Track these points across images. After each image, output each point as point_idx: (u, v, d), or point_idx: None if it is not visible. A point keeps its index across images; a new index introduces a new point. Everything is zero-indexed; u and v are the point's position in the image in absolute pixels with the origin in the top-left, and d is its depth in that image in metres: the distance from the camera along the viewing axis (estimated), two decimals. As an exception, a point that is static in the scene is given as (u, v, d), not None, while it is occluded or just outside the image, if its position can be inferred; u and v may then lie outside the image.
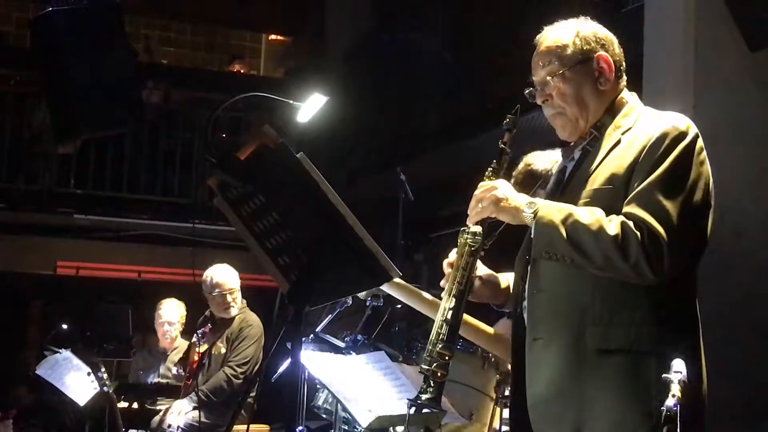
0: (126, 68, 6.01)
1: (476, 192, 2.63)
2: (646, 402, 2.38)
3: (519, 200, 2.57)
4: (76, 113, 6.00)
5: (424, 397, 2.55)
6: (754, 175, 4.90)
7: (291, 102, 6.06)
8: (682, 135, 2.48)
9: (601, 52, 2.67)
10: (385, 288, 4.24)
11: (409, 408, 2.63)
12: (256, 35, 15.17)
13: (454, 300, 2.64)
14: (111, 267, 10.22)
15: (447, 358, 2.57)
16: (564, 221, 2.45)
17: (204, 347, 6.33)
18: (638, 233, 2.37)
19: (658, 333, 2.42)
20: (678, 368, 2.22)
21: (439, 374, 2.55)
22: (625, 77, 2.70)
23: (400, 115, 9.78)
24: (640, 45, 4.99)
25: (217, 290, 6.36)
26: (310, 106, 6.36)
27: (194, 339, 6.30)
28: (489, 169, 2.71)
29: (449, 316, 2.63)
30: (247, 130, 10.69)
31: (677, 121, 2.52)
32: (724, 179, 4.19)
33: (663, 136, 2.48)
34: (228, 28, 14.86)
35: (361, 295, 5.30)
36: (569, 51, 2.67)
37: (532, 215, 2.50)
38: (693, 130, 2.50)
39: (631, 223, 2.39)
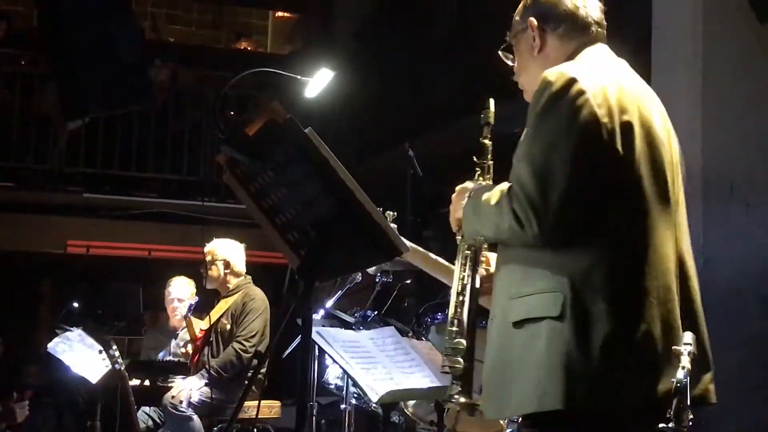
0: (134, 46, 6.00)
1: (452, 196, 2.64)
2: (555, 371, 2.29)
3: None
4: (84, 92, 5.99)
5: (456, 395, 2.53)
6: (764, 146, 4.88)
7: (299, 77, 6.04)
8: (545, 86, 2.39)
9: (531, 17, 2.64)
10: (406, 256, 4.29)
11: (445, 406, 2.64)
12: (262, 12, 15.13)
13: (462, 297, 2.62)
14: (121, 245, 10.26)
15: (463, 349, 2.55)
16: (473, 205, 2.50)
17: (206, 323, 6.35)
18: (508, 196, 2.36)
19: (553, 300, 2.33)
20: (688, 340, 2.22)
21: (459, 367, 2.53)
22: (591, 32, 2.62)
23: (409, 91, 9.75)
24: (648, 17, 4.96)
25: (207, 258, 6.39)
26: (318, 82, 6.34)
27: (186, 313, 6.35)
28: (476, 169, 2.73)
29: (461, 315, 2.61)
30: (254, 108, 10.68)
31: (547, 72, 2.43)
32: (733, 151, 4.20)
33: (535, 93, 2.42)
34: (234, 6, 14.82)
35: (371, 270, 5.33)
36: (516, 20, 2.70)
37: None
38: (562, 77, 2.38)
39: (506, 186, 2.39)
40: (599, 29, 2.63)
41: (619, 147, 2.34)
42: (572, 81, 2.37)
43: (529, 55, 2.66)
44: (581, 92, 2.35)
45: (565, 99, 2.35)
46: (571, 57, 2.58)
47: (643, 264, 2.35)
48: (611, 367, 2.27)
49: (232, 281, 6.47)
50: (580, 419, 2.30)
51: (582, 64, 2.50)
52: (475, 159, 2.73)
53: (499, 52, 2.76)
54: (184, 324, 7.07)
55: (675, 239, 2.44)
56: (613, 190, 2.35)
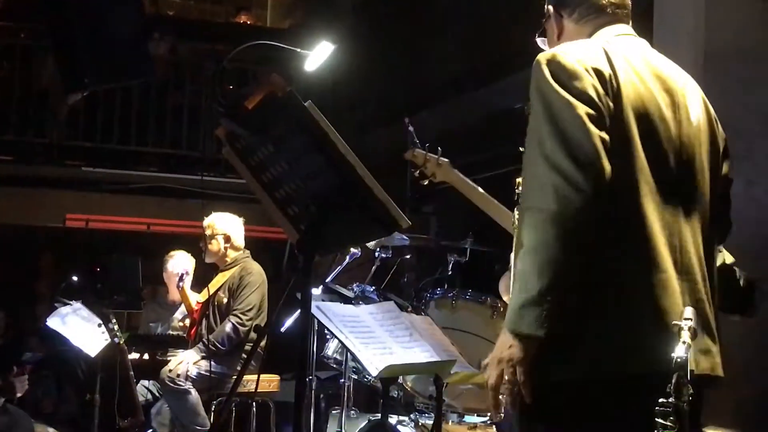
0: (133, 20, 5.97)
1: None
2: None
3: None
4: (83, 66, 5.97)
5: None
6: (765, 122, 4.87)
7: (299, 50, 6.02)
8: (535, 69, 2.41)
9: (549, 5, 2.69)
10: (441, 176, 4.32)
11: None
12: (263, -15, 15.07)
13: None
14: (120, 219, 10.26)
15: None
16: (526, 297, 2.29)
17: (203, 296, 6.36)
18: (536, 209, 2.30)
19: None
20: (688, 315, 2.22)
21: None
22: (608, 13, 2.63)
23: (409, 65, 9.72)
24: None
25: (207, 232, 6.40)
26: (318, 55, 6.32)
27: (179, 283, 6.36)
28: None
29: None
30: (254, 83, 10.65)
31: (539, 55, 2.44)
32: (733, 127, 4.18)
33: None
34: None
35: (371, 245, 5.34)
36: (546, 8, 2.73)
37: (516, 332, 2.32)
38: (544, 56, 2.41)
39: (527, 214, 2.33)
40: (618, 10, 2.65)
41: (608, 114, 2.34)
42: (551, 58, 2.39)
43: (551, 40, 2.70)
44: (559, 68, 2.36)
45: (548, 77, 2.36)
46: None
47: (625, 241, 2.34)
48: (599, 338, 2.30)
49: (231, 255, 6.48)
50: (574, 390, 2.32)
51: (581, 43, 2.51)
52: None
53: (537, 39, 2.77)
54: (184, 297, 7.09)
55: (679, 215, 2.44)
56: None
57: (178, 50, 11.25)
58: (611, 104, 2.35)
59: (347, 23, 10.62)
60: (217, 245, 6.43)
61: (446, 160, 4.59)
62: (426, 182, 4.62)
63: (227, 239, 6.45)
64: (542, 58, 2.41)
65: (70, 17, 5.83)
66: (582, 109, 2.30)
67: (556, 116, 2.32)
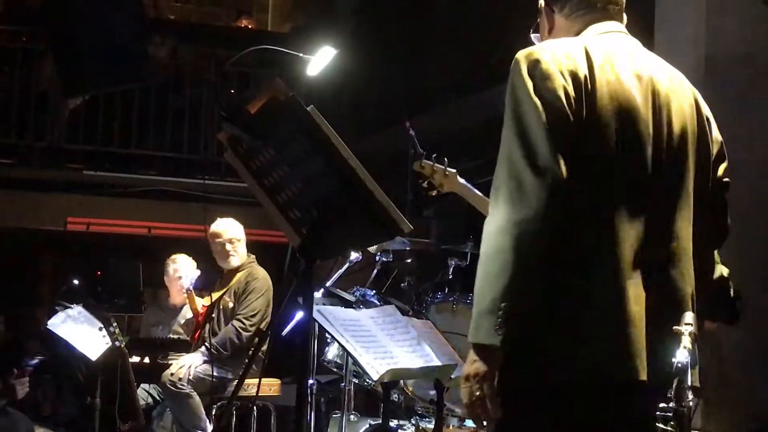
0: (134, 24, 5.98)
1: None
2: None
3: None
4: (84, 69, 5.98)
5: None
6: (764, 126, 4.88)
7: (300, 55, 6.02)
8: (513, 65, 2.41)
9: (541, 0, 2.68)
10: (449, 187, 4.34)
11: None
12: (263, -10, 15.07)
13: None
14: (121, 223, 10.25)
15: None
16: (482, 306, 2.29)
17: (207, 299, 6.37)
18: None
19: None
20: (688, 320, 2.22)
21: None
22: (598, 8, 2.60)
23: (409, 69, 9.73)
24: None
25: (216, 240, 6.43)
26: (320, 60, 6.32)
27: (187, 285, 6.36)
28: None
29: None
30: (255, 86, 10.66)
31: (518, 53, 2.44)
32: (733, 131, 4.19)
33: None
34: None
35: (372, 249, 5.34)
36: (539, 2, 2.71)
37: (475, 342, 2.31)
38: (523, 53, 2.40)
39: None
40: (610, 6, 2.61)
41: (579, 116, 2.32)
42: (527, 56, 2.38)
43: (543, 36, 2.68)
44: (533, 66, 2.35)
45: (524, 76, 2.35)
46: (577, 35, 2.58)
47: (593, 247, 2.33)
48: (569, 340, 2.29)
49: (238, 260, 6.48)
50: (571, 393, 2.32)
51: (563, 41, 2.50)
52: None
53: (531, 35, 2.76)
54: (186, 301, 7.09)
55: (659, 217, 2.41)
56: (573, 162, 2.32)
57: (178, 54, 11.26)
58: (584, 107, 2.33)
59: (348, 27, 10.63)
60: (223, 250, 6.44)
61: (453, 170, 4.59)
62: (434, 193, 4.64)
63: (234, 245, 6.46)
64: (520, 55, 2.40)
65: (71, 21, 5.85)
66: (548, 114, 2.29)
67: (522, 117, 2.32)
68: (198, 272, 6.47)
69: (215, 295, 6.36)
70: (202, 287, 6.78)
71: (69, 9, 5.90)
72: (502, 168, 2.33)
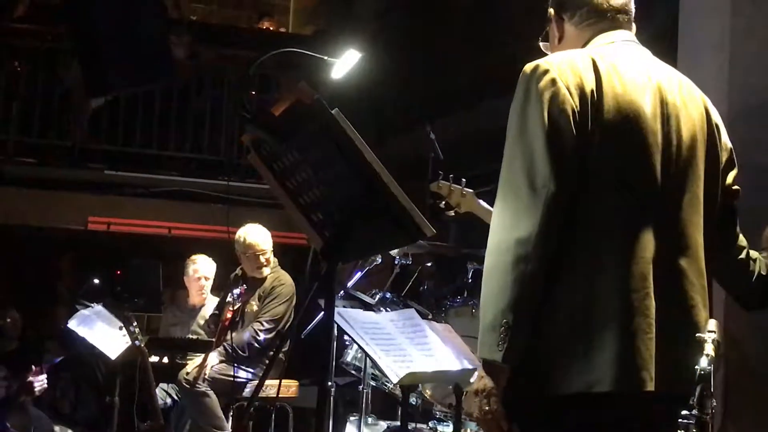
0: (157, 24, 6.00)
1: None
2: None
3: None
4: (106, 69, 6.01)
5: None
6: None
7: (326, 58, 6.02)
8: (520, 77, 2.44)
9: (550, 8, 2.69)
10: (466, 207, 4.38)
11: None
12: (285, -8, 15.11)
13: None
14: (141, 223, 10.29)
15: None
16: (485, 322, 2.34)
17: (237, 306, 6.38)
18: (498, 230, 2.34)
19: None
20: (711, 328, 2.22)
21: None
22: (608, 18, 2.62)
23: (430, 73, 9.72)
24: (675, 4, 4.92)
25: (250, 251, 6.41)
26: (344, 63, 6.33)
27: (229, 299, 6.34)
28: None
29: None
30: (277, 89, 10.67)
31: (527, 65, 2.45)
32: (759, 139, 4.17)
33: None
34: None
35: (393, 252, 5.34)
36: (548, 12, 2.73)
37: (481, 358, 2.40)
38: (530, 66, 2.43)
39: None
40: (619, 15, 2.63)
41: (584, 130, 2.34)
42: (535, 69, 2.40)
43: (552, 45, 2.70)
44: (541, 77, 2.37)
45: (533, 89, 2.37)
46: (585, 44, 2.59)
47: (604, 250, 2.34)
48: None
49: (268, 270, 6.49)
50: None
51: (571, 53, 2.50)
52: None
53: (540, 43, 2.77)
54: (204, 301, 7.11)
55: (668, 227, 2.41)
56: (580, 174, 2.34)
57: (200, 55, 11.29)
58: (590, 121, 2.35)
59: (369, 30, 10.63)
60: (259, 261, 6.44)
61: (470, 190, 4.62)
62: (452, 213, 4.67)
63: (264, 253, 6.45)
64: (527, 68, 2.42)
65: (94, 21, 5.87)
66: (551, 130, 2.31)
67: (525, 131, 2.35)
68: (242, 287, 6.42)
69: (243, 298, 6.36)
70: (219, 288, 6.80)
71: (92, 10, 5.92)
72: (503, 182, 2.37)
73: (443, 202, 4.67)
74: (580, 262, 2.32)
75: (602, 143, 2.35)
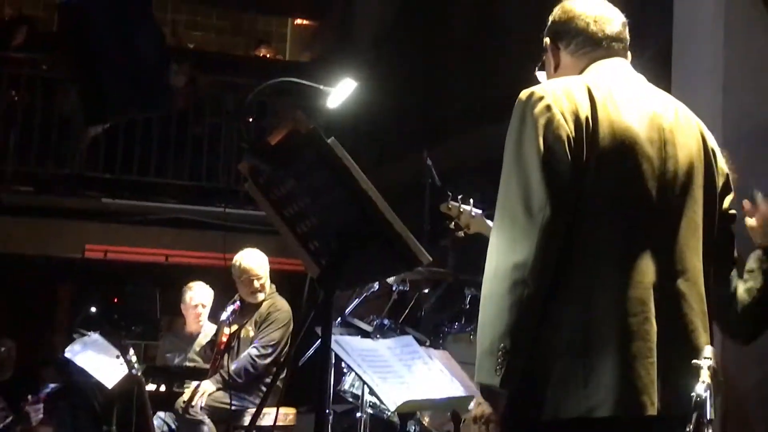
0: (155, 53, 6.02)
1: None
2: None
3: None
4: (105, 98, 6.02)
5: None
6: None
7: (321, 87, 6.06)
8: (516, 105, 2.45)
9: (546, 37, 2.71)
10: (475, 228, 4.40)
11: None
12: (282, 19, 15.18)
13: None
14: (139, 250, 10.29)
15: None
16: (482, 347, 2.34)
17: (233, 328, 6.37)
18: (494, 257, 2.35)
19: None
20: (707, 354, 2.22)
21: None
22: (603, 46, 2.63)
23: (427, 100, 9.76)
24: (668, 30, 4.96)
25: (245, 275, 6.41)
26: (340, 92, 6.36)
27: (223, 317, 6.34)
28: None
29: None
30: (273, 115, 10.71)
31: (522, 91, 2.46)
32: (754, 165, 4.18)
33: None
34: (254, 13, 14.88)
35: (390, 279, 5.35)
36: (544, 40, 2.74)
37: (478, 382, 2.40)
38: (526, 93, 2.44)
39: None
40: (614, 44, 2.64)
41: (579, 156, 2.35)
42: (530, 96, 2.41)
43: (549, 73, 2.71)
44: (535, 104, 2.39)
45: (527, 116, 2.39)
46: (581, 72, 2.61)
47: (603, 277, 2.34)
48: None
49: (263, 295, 6.48)
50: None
51: (566, 80, 2.52)
52: None
53: (536, 73, 2.79)
54: (201, 329, 7.10)
55: (666, 251, 2.42)
56: (577, 199, 2.35)
57: (197, 82, 11.34)
58: (585, 148, 2.36)
59: (366, 57, 10.68)
60: (254, 287, 6.43)
61: (479, 211, 4.65)
62: (461, 234, 4.71)
63: (260, 279, 6.45)
64: (523, 95, 2.44)
65: (92, 50, 5.90)
66: (546, 156, 2.32)
67: (521, 158, 2.36)
68: (236, 305, 6.42)
69: (235, 326, 6.36)
70: (216, 314, 6.79)
71: (89, 38, 5.95)
72: (500, 208, 2.39)
73: (453, 223, 4.71)
74: (578, 287, 2.33)
75: (598, 169, 2.36)
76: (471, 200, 4.68)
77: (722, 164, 2.65)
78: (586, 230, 2.34)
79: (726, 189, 2.66)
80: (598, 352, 2.29)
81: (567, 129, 2.34)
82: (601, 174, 2.37)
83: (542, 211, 2.28)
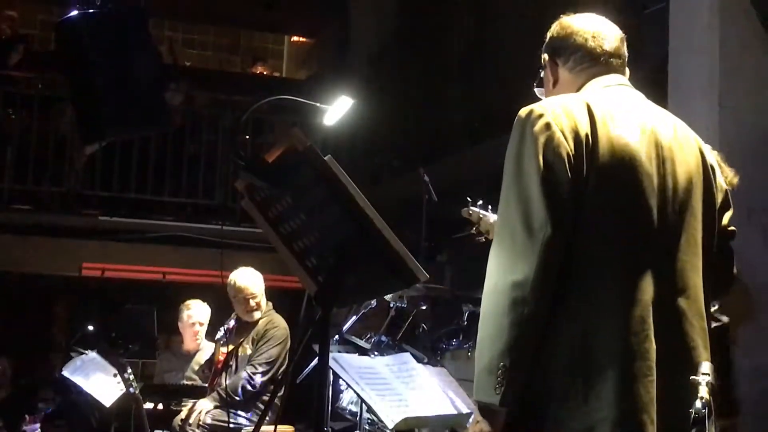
0: (151, 71, 6.03)
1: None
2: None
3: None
4: (101, 116, 6.03)
5: None
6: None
7: (318, 105, 6.08)
8: (515, 122, 2.44)
9: (545, 54, 2.71)
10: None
11: None
12: (278, 37, 15.24)
13: None
14: (136, 268, 10.29)
15: None
16: (481, 365, 2.33)
17: (230, 347, 6.35)
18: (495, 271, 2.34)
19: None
20: (705, 370, 2.22)
21: None
22: (601, 62, 2.63)
23: (424, 116, 9.78)
24: (664, 46, 4.98)
25: (240, 294, 6.39)
26: (337, 109, 6.37)
27: (218, 335, 6.32)
28: None
29: None
30: (270, 132, 10.73)
31: (522, 109, 2.46)
32: (751, 180, 4.19)
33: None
34: (250, 30, 14.93)
35: (387, 296, 5.34)
36: (542, 56, 2.74)
37: (476, 400, 2.39)
38: (525, 111, 2.43)
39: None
40: (612, 59, 2.64)
41: (579, 173, 2.34)
42: (529, 114, 2.40)
43: (547, 89, 2.71)
44: (536, 121, 2.38)
45: (527, 133, 2.38)
46: (579, 89, 2.61)
47: (594, 304, 2.33)
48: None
49: (260, 314, 6.47)
50: None
51: (565, 98, 2.52)
52: None
53: (534, 89, 2.79)
54: (199, 347, 7.09)
55: (666, 268, 2.41)
56: (577, 217, 2.35)
57: (194, 100, 11.37)
58: (584, 165, 2.35)
59: (363, 74, 10.71)
60: (249, 305, 6.41)
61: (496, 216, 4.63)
62: (482, 239, 4.69)
63: (256, 297, 6.44)
64: (523, 113, 2.43)
65: (89, 68, 5.91)
66: (546, 174, 2.32)
67: (520, 176, 2.35)
68: (231, 324, 6.40)
69: (231, 345, 6.34)
70: (214, 333, 6.78)
71: (86, 57, 5.95)
72: (500, 225, 2.38)
73: (474, 228, 4.69)
74: (578, 305, 2.32)
75: (598, 186, 2.36)
76: (490, 207, 4.66)
77: (721, 180, 2.65)
78: (586, 247, 2.34)
79: (725, 205, 2.66)
80: (598, 370, 2.28)
81: (567, 146, 2.34)
82: (600, 191, 2.36)
83: (543, 229, 2.27)
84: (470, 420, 3.99)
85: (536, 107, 2.42)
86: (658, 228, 2.41)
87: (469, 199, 4.55)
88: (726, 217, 2.66)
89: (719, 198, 2.61)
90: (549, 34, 2.71)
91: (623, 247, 2.36)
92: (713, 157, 2.65)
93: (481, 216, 4.63)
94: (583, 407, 2.27)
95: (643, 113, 2.52)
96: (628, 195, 2.40)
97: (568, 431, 2.27)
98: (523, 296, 2.26)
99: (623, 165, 2.40)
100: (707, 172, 2.58)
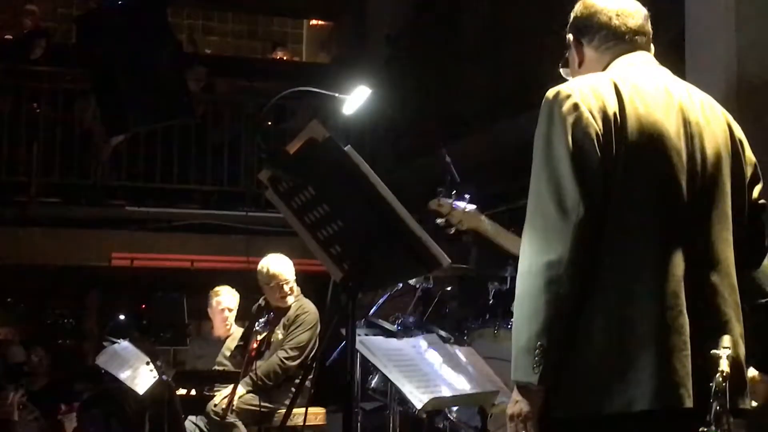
0: (172, 60, 6.08)
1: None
2: None
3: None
4: (125, 108, 6.09)
5: None
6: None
7: (337, 95, 6.10)
8: (543, 104, 2.45)
9: (569, 34, 2.71)
10: (468, 224, 4.34)
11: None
12: (297, 21, 15.23)
13: None
14: (164, 257, 10.36)
15: None
16: (519, 346, 2.35)
17: (263, 334, 6.41)
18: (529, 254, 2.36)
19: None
20: (726, 344, 2.24)
21: None
22: (626, 40, 2.63)
23: (444, 97, 9.78)
24: (681, 20, 4.97)
25: (273, 281, 6.42)
26: (355, 99, 6.40)
27: (256, 327, 6.35)
28: None
29: None
30: (292, 118, 10.75)
31: (549, 90, 2.46)
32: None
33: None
34: (269, 15, 14.93)
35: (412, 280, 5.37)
36: (567, 37, 2.74)
37: (515, 381, 2.40)
38: (552, 92, 2.44)
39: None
40: (637, 37, 2.64)
41: (609, 152, 2.36)
42: (557, 95, 2.42)
43: (573, 69, 2.72)
44: (564, 102, 2.40)
45: (554, 114, 2.39)
46: (605, 68, 2.61)
47: (628, 280, 2.35)
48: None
49: (293, 299, 6.52)
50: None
51: (592, 77, 2.53)
52: None
53: (560, 69, 2.79)
54: (229, 332, 7.16)
55: (698, 243, 2.43)
56: (608, 195, 2.36)
57: (216, 87, 11.40)
58: (614, 144, 2.37)
59: (382, 56, 10.71)
60: (283, 291, 6.45)
61: (474, 206, 4.58)
62: (452, 231, 4.62)
63: (288, 284, 6.48)
64: (549, 94, 2.44)
65: (110, 62, 5.97)
66: (576, 155, 2.34)
67: (551, 157, 2.37)
68: (271, 314, 6.43)
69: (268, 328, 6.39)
70: (243, 316, 6.83)
71: (107, 49, 6.01)
72: (532, 207, 2.39)
73: (443, 220, 4.63)
74: (613, 283, 2.34)
75: (627, 165, 2.38)
76: (467, 196, 4.61)
77: (750, 154, 2.65)
78: (618, 225, 2.36)
79: (755, 179, 2.66)
80: (635, 347, 2.30)
81: (595, 126, 2.36)
82: (630, 169, 2.38)
83: (576, 209, 2.30)
84: (497, 398, 4.03)
85: (563, 88, 2.44)
86: (688, 203, 2.43)
87: (439, 190, 4.50)
88: (756, 191, 2.66)
89: (749, 172, 2.62)
90: (573, 14, 2.71)
91: (655, 224, 2.38)
92: (741, 130, 2.66)
93: (453, 207, 4.58)
94: (620, 383, 2.29)
95: (670, 90, 2.52)
96: (658, 172, 2.41)
97: (606, 408, 2.29)
98: (558, 275, 2.28)
99: (652, 142, 2.41)
100: (736, 146, 2.58)
